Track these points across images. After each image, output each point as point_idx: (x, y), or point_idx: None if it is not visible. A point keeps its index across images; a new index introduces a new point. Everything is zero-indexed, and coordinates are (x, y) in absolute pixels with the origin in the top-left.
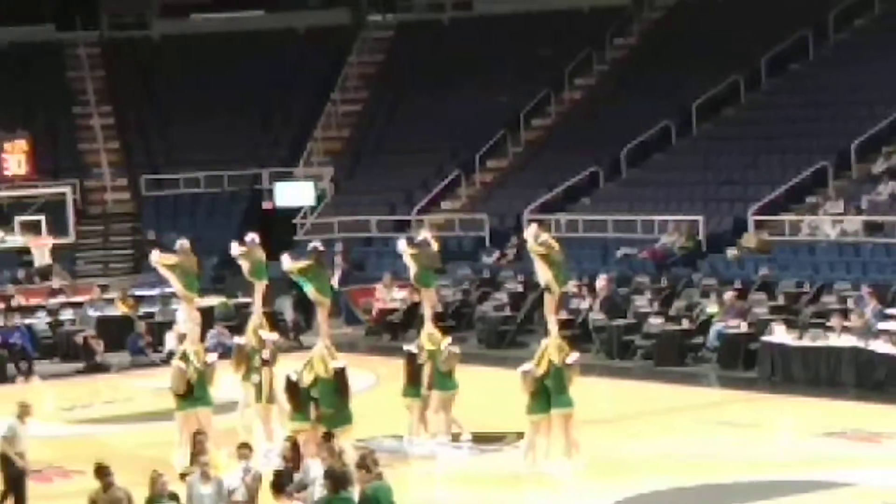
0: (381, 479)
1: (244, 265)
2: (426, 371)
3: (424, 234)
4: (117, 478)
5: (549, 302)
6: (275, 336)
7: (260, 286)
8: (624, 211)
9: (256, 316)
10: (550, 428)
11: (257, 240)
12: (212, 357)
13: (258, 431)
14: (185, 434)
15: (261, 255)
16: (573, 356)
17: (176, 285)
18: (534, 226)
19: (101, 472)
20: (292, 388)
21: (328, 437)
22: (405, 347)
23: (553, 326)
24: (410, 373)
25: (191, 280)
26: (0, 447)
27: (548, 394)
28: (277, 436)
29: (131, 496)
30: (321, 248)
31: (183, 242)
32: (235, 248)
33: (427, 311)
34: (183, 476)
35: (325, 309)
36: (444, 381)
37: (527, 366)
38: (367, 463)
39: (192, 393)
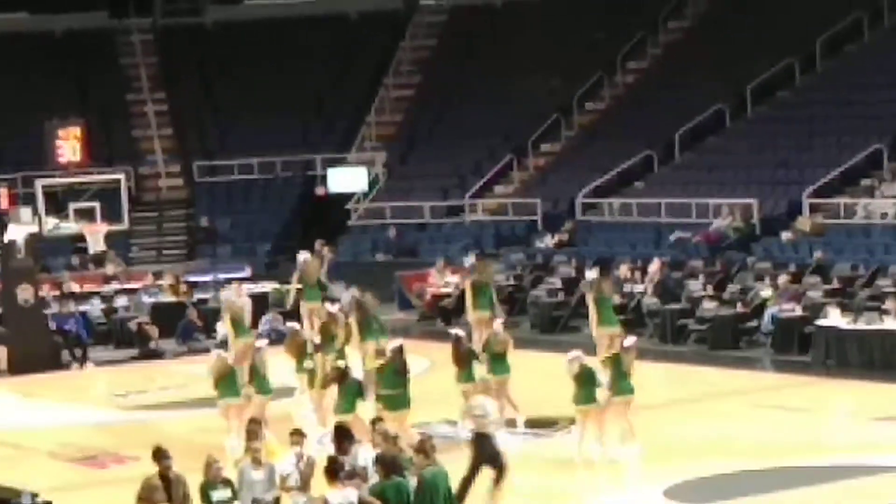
0: (438, 465)
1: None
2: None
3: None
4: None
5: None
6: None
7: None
8: (677, 194)
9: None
10: (602, 415)
11: None
12: (261, 342)
13: (312, 418)
14: (234, 422)
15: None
16: (630, 339)
17: None
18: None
19: (160, 454)
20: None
21: (376, 422)
22: (451, 331)
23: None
24: (458, 358)
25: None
26: None
27: (593, 383)
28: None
29: (186, 481)
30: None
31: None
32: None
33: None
34: (236, 463)
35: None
36: (497, 365)
37: (574, 353)
38: (426, 448)
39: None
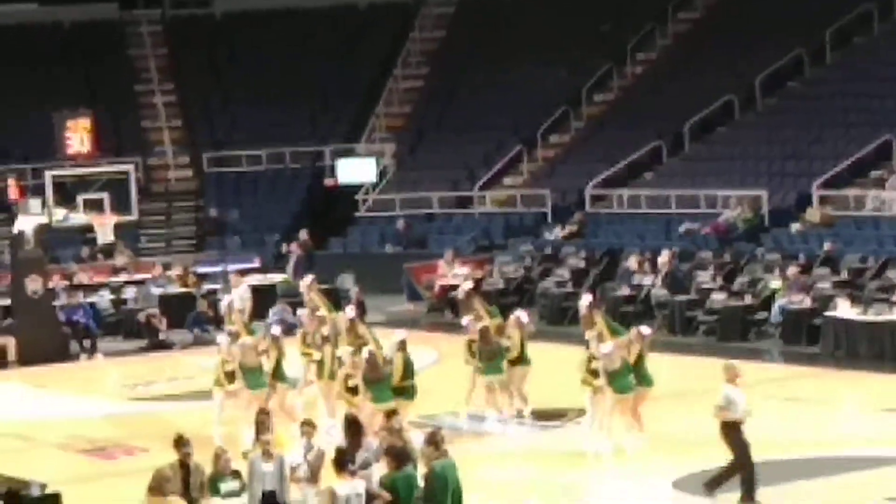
0: (447, 456)
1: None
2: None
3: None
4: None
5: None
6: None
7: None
8: (687, 186)
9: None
10: (625, 406)
11: None
12: (276, 329)
13: (321, 408)
14: (244, 412)
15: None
16: (646, 330)
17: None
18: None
19: (181, 442)
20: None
21: (391, 414)
22: (479, 325)
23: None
24: (486, 350)
25: None
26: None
27: (629, 372)
28: (340, 413)
29: (204, 471)
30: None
31: None
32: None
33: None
34: (245, 454)
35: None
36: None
37: (606, 347)
38: (436, 440)
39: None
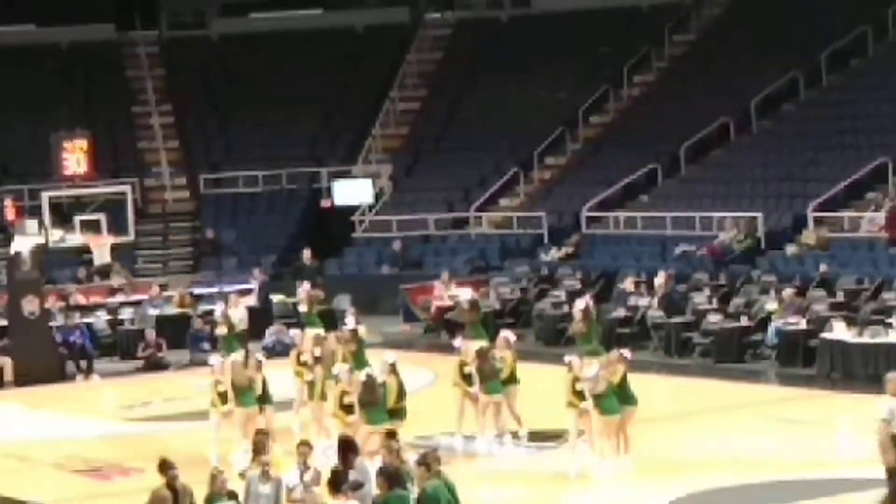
0: (440, 477)
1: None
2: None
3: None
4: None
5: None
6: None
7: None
8: (683, 208)
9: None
10: (612, 428)
11: None
12: (259, 355)
13: (313, 429)
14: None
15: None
16: (627, 353)
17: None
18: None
19: (165, 466)
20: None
21: (391, 434)
22: (478, 346)
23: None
24: (483, 370)
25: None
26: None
27: (614, 394)
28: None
29: (192, 492)
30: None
31: None
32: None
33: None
34: (242, 475)
35: None
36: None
37: (590, 371)
38: (428, 461)
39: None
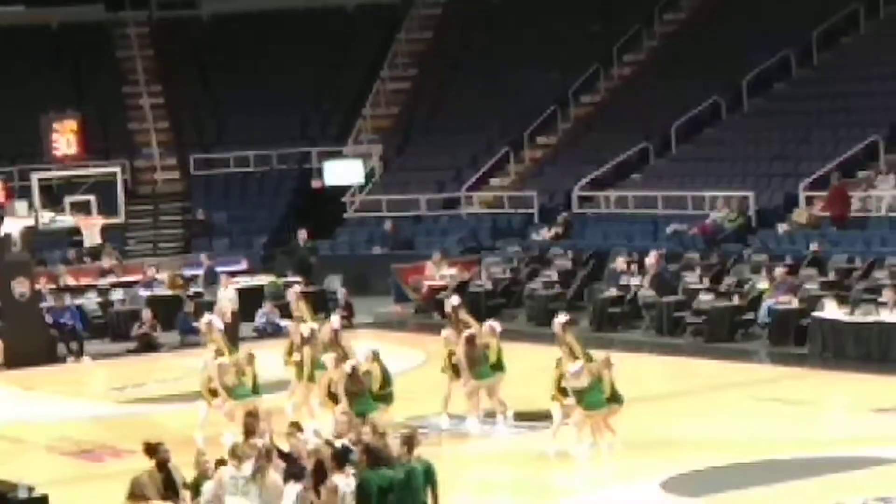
0: (420, 459)
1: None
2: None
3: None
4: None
5: None
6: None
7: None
8: (674, 187)
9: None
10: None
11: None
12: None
13: (303, 411)
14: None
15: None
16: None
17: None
18: None
19: (151, 449)
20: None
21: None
22: (465, 333)
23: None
24: (471, 356)
25: None
26: None
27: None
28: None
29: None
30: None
31: None
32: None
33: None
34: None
35: None
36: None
37: (574, 367)
38: (410, 442)
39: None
